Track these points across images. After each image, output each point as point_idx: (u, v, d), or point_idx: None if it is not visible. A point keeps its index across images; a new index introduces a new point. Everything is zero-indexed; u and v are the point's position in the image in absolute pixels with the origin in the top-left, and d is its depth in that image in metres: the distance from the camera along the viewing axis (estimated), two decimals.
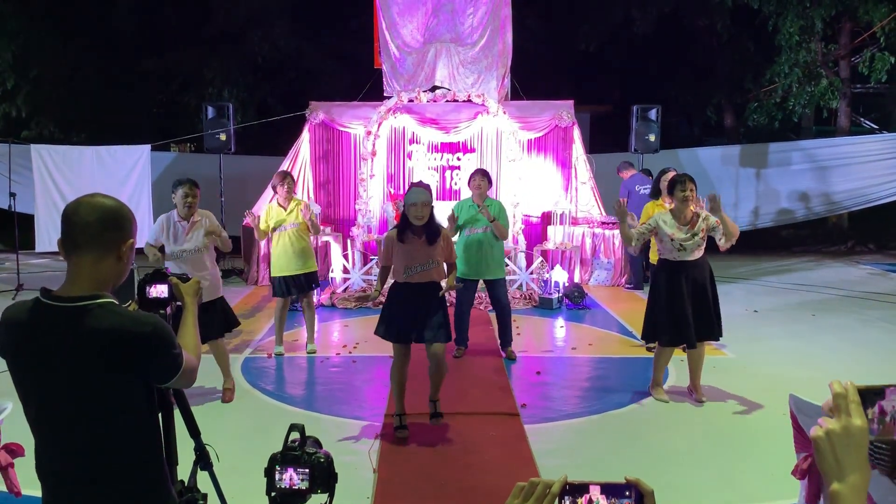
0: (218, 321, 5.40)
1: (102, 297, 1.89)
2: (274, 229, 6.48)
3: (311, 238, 6.72)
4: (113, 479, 1.94)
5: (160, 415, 2.12)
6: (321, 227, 8.26)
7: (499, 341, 6.80)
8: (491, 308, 7.27)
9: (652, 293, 5.52)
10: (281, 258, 6.49)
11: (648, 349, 6.88)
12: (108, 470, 1.93)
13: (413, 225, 4.69)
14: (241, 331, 6.98)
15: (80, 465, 1.92)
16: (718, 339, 5.48)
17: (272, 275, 6.65)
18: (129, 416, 1.93)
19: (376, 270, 9.60)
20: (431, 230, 4.71)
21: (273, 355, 6.66)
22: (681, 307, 5.23)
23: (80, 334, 1.84)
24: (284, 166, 10.66)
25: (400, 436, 4.75)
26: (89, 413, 1.89)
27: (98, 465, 1.92)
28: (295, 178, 7.49)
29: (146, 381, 1.95)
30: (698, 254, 5.30)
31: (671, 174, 6.77)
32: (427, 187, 4.83)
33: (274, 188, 6.65)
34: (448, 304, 5.08)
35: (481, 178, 6.47)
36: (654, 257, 6.75)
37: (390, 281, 5.04)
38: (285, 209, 6.50)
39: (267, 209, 6.58)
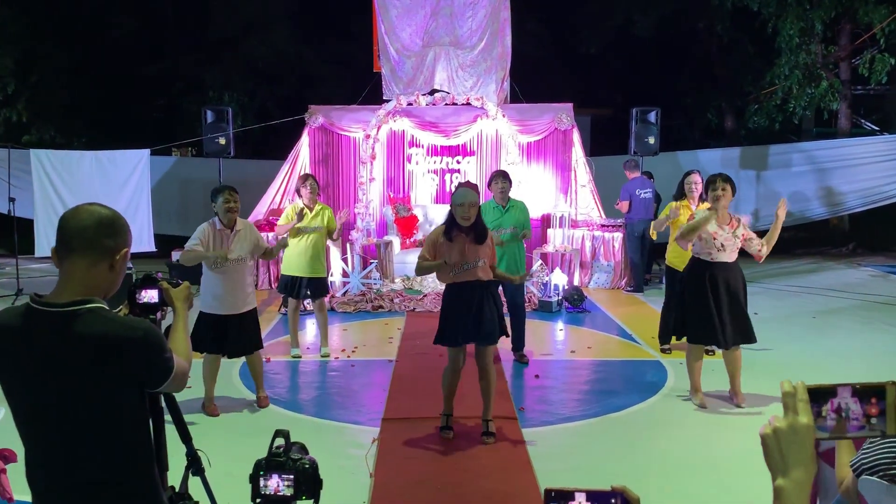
0: (253, 332, 5.39)
1: (93, 301, 1.89)
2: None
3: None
4: (103, 484, 1.93)
5: (150, 420, 2.12)
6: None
7: (511, 345, 6.74)
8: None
9: (683, 290, 5.45)
10: (296, 258, 6.53)
11: (664, 351, 6.86)
12: (98, 475, 1.92)
13: (460, 225, 4.67)
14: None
15: (70, 471, 1.92)
16: (754, 343, 5.39)
17: (282, 272, 6.69)
18: (119, 422, 1.92)
19: (376, 274, 9.61)
20: (479, 229, 4.69)
21: (270, 359, 6.66)
22: (713, 306, 5.20)
23: (71, 339, 1.83)
24: (284, 170, 10.68)
25: (445, 436, 4.78)
26: (79, 418, 1.88)
27: (88, 471, 1.92)
28: (318, 180, 7.48)
29: (137, 386, 1.94)
30: (734, 256, 5.28)
31: (694, 175, 6.73)
32: (474, 187, 4.78)
33: (298, 191, 6.75)
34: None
35: (503, 180, 6.37)
36: (670, 258, 6.68)
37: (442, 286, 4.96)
38: (311, 210, 6.53)
39: (293, 208, 6.62)
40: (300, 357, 6.75)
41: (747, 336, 5.32)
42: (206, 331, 5.21)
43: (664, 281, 10.33)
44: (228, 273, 5.19)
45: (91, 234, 1.92)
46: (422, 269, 4.81)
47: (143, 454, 2.00)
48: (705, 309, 5.22)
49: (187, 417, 5.09)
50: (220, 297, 5.19)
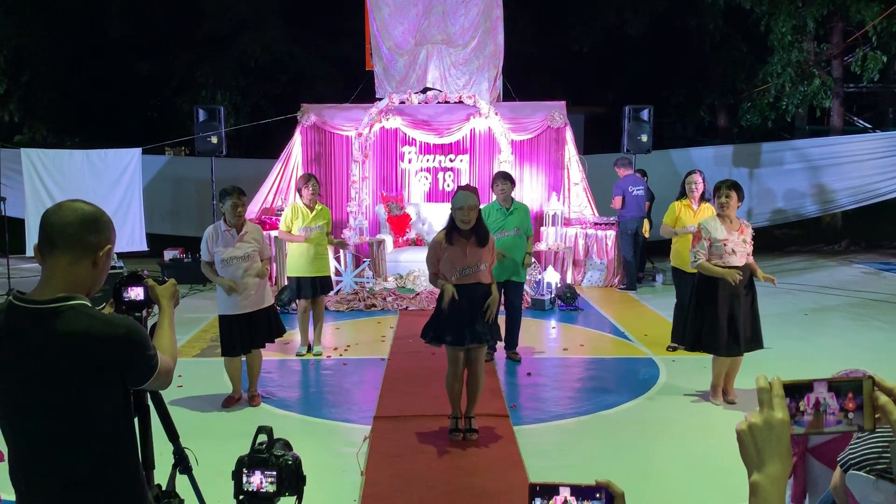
0: (263, 330, 5.38)
1: (75, 298, 1.87)
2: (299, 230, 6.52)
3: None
4: (87, 483, 1.91)
5: (136, 418, 2.10)
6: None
7: (504, 343, 6.71)
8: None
9: (693, 299, 5.44)
10: (301, 259, 6.54)
11: (670, 349, 6.85)
12: (81, 474, 1.91)
13: (460, 228, 4.62)
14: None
15: (53, 470, 1.90)
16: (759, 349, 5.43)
17: (288, 275, 6.69)
18: (103, 419, 1.91)
19: (368, 273, 9.59)
20: (481, 232, 4.65)
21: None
22: (728, 316, 5.21)
23: (53, 336, 1.82)
24: (277, 169, 10.65)
25: (455, 438, 4.73)
26: (62, 416, 1.87)
27: (71, 469, 1.90)
28: (319, 179, 7.47)
29: (120, 384, 1.93)
30: (744, 259, 5.28)
31: (694, 175, 6.73)
32: (474, 190, 4.74)
33: (299, 191, 6.74)
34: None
35: (504, 181, 6.34)
36: (674, 261, 6.68)
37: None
38: (311, 210, 6.52)
39: (292, 208, 6.60)
40: (303, 355, 6.75)
41: (759, 342, 5.37)
42: (224, 333, 5.28)
43: (659, 280, 10.47)
44: (238, 271, 5.21)
45: (74, 230, 1.91)
46: (433, 280, 4.84)
47: (127, 452, 1.99)
48: (720, 320, 5.22)
49: (185, 414, 5.12)
50: (233, 297, 5.20)
